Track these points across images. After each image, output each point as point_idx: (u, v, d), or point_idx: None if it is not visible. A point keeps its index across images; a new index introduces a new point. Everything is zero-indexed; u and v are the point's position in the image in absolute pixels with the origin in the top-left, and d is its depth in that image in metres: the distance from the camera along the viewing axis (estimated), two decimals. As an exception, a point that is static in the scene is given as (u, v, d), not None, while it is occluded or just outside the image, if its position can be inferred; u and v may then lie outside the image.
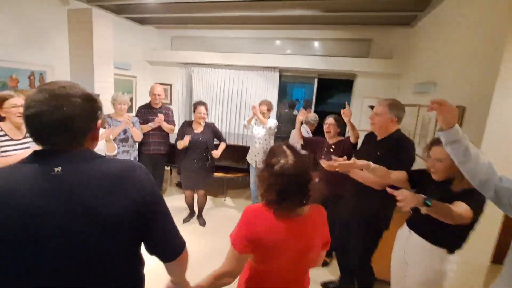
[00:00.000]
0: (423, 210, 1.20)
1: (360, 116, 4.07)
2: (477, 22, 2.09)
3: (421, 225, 1.45)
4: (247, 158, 3.64)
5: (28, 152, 0.73)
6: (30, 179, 0.66)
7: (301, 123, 2.79)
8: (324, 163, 1.73)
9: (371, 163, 1.53)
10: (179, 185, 4.19)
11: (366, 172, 1.61)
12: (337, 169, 1.55)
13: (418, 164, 1.84)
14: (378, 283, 2.06)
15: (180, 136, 3.00)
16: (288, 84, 6.10)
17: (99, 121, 0.79)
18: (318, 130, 3.70)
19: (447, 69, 2.48)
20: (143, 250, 0.85)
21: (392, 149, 1.71)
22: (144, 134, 3.09)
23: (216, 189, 4.16)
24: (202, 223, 3.26)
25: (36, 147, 0.73)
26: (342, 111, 2.32)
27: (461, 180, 1.26)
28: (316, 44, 4.28)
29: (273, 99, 4.42)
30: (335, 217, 2.40)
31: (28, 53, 2.99)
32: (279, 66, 4.37)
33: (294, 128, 3.37)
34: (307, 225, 1.03)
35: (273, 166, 0.97)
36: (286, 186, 0.95)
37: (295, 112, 4.95)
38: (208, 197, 3.57)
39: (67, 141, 0.71)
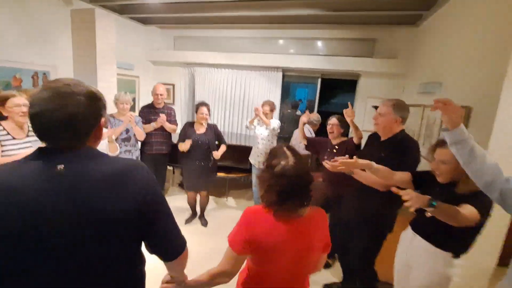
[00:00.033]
0: (428, 213, 1.18)
1: (364, 117, 4.03)
2: (484, 21, 2.05)
3: (426, 228, 1.42)
4: (249, 159, 3.63)
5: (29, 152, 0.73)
6: (33, 176, 0.66)
7: (304, 124, 2.77)
8: (327, 163, 1.71)
9: (373, 163, 1.51)
10: (181, 185, 4.19)
11: (369, 173, 1.58)
12: (339, 168, 1.53)
13: (423, 165, 1.80)
14: (381, 285, 2.03)
15: (182, 137, 3.00)
16: (291, 84, 6.08)
17: (103, 120, 0.79)
18: (321, 131, 3.68)
19: (453, 69, 2.44)
20: (143, 248, 0.85)
21: (396, 150, 1.68)
22: (146, 134, 3.09)
23: (219, 189, 4.15)
24: (204, 223, 3.25)
25: (38, 146, 0.73)
26: (344, 111, 2.30)
27: (466, 182, 1.23)
28: (320, 43, 4.24)
29: (276, 99, 4.40)
30: (339, 218, 2.38)
31: (31, 53, 3.00)
32: (282, 66, 4.34)
33: (297, 128, 3.34)
34: (307, 227, 1.02)
35: (274, 167, 0.97)
36: (287, 187, 0.94)
37: (298, 113, 4.92)
38: (210, 197, 3.56)
39: (71, 139, 0.71)
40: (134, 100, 4.46)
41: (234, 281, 1.14)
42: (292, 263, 1.01)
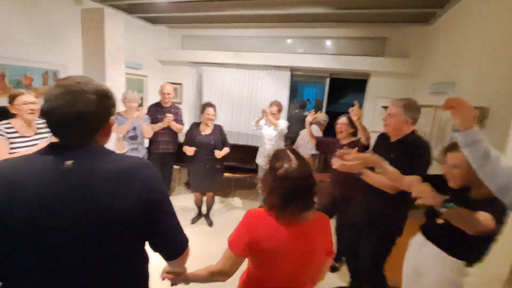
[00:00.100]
0: (440, 219, 1.12)
1: (373, 117, 3.94)
2: (501, 18, 1.96)
3: (438, 234, 1.37)
4: (256, 160, 3.60)
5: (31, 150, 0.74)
6: (41, 171, 0.68)
7: (310, 124, 2.73)
8: (336, 162, 1.66)
9: (386, 161, 1.45)
10: (187, 184, 4.19)
11: (378, 174, 1.53)
12: (352, 162, 1.47)
13: (435, 168, 1.73)
14: (389, 291, 1.97)
15: (188, 137, 2.99)
16: (300, 84, 6.03)
17: (112, 118, 0.80)
18: (328, 131, 3.62)
19: (467, 68, 2.35)
20: (147, 246, 0.85)
21: (406, 151, 1.61)
22: (153, 133, 3.09)
23: (224, 189, 4.13)
24: (210, 223, 3.25)
25: (46, 143, 0.75)
26: (350, 109, 2.24)
27: (479, 187, 1.16)
28: (329, 42, 4.18)
29: (284, 99, 4.36)
30: (346, 220, 2.33)
31: (42, 52, 3.05)
32: (290, 65, 4.29)
33: (304, 128, 3.31)
34: (310, 231, 1.00)
35: (277, 170, 0.96)
36: (290, 191, 0.93)
37: (306, 113, 4.87)
38: (216, 197, 3.55)
39: (80, 136, 0.73)
40: (142, 99, 4.50)
41: (235, 281, 1.14)
42: (293, 267, 1.00)
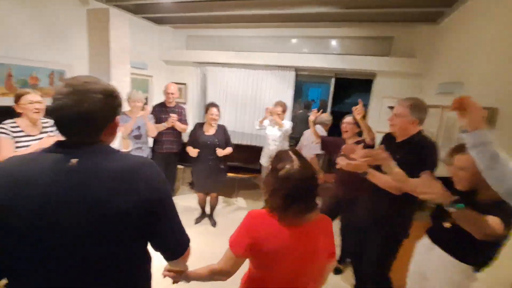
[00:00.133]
0: (447, 223, 1.09)
1: (379, 118, 3.90)
2: (510, 18, 1.92)
3: (445, 238, 1.33)
4: (260, 160, 3.59)
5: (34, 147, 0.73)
6: (46, 169, 0.69)
7: (314, 123, 2.70)
8: (341, 161, 1.64)
9: (394, 161, 1.42)
10: (191, 184, 4.20)
11: (384, 175, 1.50)
12: (365, 158, 1.45)
13: (441, 170, 1.69)
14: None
15: (192, 138, 2.99)
16: (304, 84, 5.99)
17: (118, 117, 0.82)
18: (333, 131, 3.59)
19: (476, 68, 2.30)
20: (149, 246, 0.85)
21: (412, 152, 1.58)
22: (157, 132, 3.10)
23: (228, 189, 4.12)
24: (213, 223, 3.24)
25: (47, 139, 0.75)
26: (354, 108, 2.20)
27: (487, 190, 1.13)
28: (334, 42, 4.14)
29: (288, 99, 4.33)
30: (351, 222, 2.30)
31: (48, 52, 3.08)
32: (295, 65, 4.26)
33: (308, 128, 3.28)
34: (312, 233, 1.00)
35: (279, 171, 0.95)
36: (291, 191, 0.92)
37: (310, 113, 4.83)
38: (220, 198, 3.54)
39: (85, 134, 0.74)
40: (147, 99, 4.52)
41: (236, 282, 1.14)
42: (295, 269, 0.99)
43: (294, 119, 4.59)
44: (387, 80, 3.92)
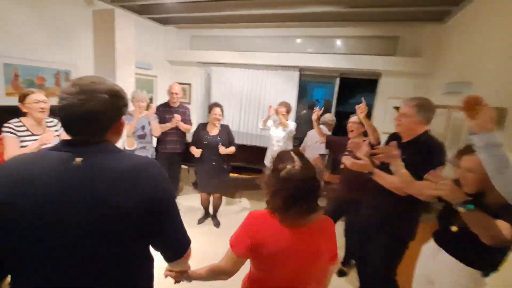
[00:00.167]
0: (454, 226, 1.06)
1: (384, 118, 3.85)
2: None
3: (452, 242, 1.30)
4: (264, 161, 3.57)
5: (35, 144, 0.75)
6: (52, 167, 0.69)
7: (318, 122, 2.68)
8: (347, 160, 1.61)
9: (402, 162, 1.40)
10: (195, 184, 4.20)
11: (390, 175, 1.47)
12: (382, 153, 1.43)
13: (448, 172, 1.66)
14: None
15: (195, 138, 2.99)
16: (309, 84, 5.95)
17: (124, 117, 0.83)
18: (337, 131, 3.56)
19: (485, 67, 2.26)
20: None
21: (418, 152, 1.55)
22: (161, 132, 3.11)
23: (232, 189, 4.12)
24: (217, 224, 3.23)
25: (55, 142, 0.78)
26: (357, 107, 2.17)
27: (495, 193, 1.10)
28: (339, 42, 4.11)
29: (292, 99, 4.31)
30: (355, 223, 2.26)
31: (54, 53, 3.11)
32: (299, 65, 4.25)
33: (312, 128, 3.26)
34: (314, 235, 0.98)
35: (280, 171, 0.94)
36: (292, 192, 0.91)
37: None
38: (224, 198, 3.53)
39: (91, 133, 0.75)
40: (151, 99, 4.54)
41: (238, 282, 1.13)
42: (295, 271, 0.98)
43: (298, 119, 4.57)
44: (393, 80, 3.88)
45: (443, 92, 3.00)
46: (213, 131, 2.99)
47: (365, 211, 1.93)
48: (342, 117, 4.45)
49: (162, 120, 3.18)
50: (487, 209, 1.12)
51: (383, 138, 2.10)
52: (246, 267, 1.07)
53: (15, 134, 1.85)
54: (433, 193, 1.07)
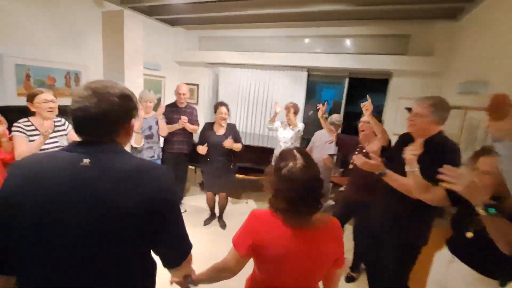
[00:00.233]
0: (469, 233, 0.99)
1: (395, 119, 3.76)
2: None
3: (467, 250, 1.23)
4: (272, 163, 3.53)
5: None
6: (61, 167, 0.72)
7: (326, 119, 2.63)
8: (358, 159, 1.56)
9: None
10: (202, 184, 4.19)
11: (402, 177, 1.42)
12: (415, 152, 1.38)
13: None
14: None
15: (202, 138, 2.97)
16: (317, 84, 5.88)
17: (133, 119, 0.86)
18: (345, 132, 3.49)
19: (501, 66, 2.17)
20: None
21: (431, 153, 1.48)
22: (168, 132, 3.11)
23: (238, 190, 4.09)
24: (223, 225, 3.20)
25: (63, 141, 0.81)
26: (362, 104, 2.10)
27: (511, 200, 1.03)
28: (348, 41, 4.04)
29: (300, 100, 4.26)
30: (365, 226, 2.19)
31: (64, 54, 3.16)
32: (308, 65, 4.20)
33: (320, 129, 3.21)
34: (318, 236, 0.95)
35: (281, 169, 0.92)
36: (295, 191, 0.89)
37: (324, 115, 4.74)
38: (230, 199, 3.50)
39: (102, 135, 0.78)
40: (159, 100, 4.57)
41: (241, 282, 1.13)
42: (299, 274, 0.96)
43: (306, 120, 4.51)
44: (404, 80, 3.79)
45: (457, 91, 2.90)
46: (220, 130, 2.97)
47: (374, 213, 1.86)
48: (352, 117, 4.37)
49: (169, 121, 3.18)
50: (505, 215, 1.06)
51: (394, 140, 2.03)
52: (250, 267, 1.06)
53: (24, 133, 1.87)
54: (451, 187, 1.00)
